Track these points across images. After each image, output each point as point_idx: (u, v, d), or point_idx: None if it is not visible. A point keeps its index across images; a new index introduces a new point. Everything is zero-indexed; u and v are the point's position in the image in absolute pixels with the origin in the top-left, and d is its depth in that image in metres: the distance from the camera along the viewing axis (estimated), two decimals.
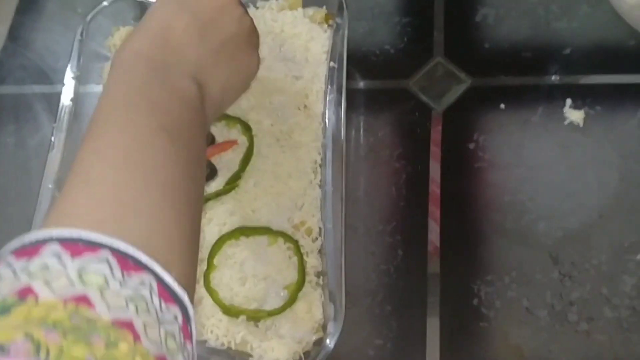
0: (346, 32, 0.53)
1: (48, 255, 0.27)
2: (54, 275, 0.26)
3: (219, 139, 0.52)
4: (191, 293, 0.30)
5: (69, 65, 0.58)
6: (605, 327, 0.47)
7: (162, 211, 0.30)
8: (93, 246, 0.27)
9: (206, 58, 0.38)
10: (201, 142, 0.35)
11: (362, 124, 0.57)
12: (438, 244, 0.52)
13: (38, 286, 0.26)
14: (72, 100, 0.57)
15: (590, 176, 0.52)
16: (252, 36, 0.42)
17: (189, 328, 0.29)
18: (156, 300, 0.28)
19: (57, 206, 0.30)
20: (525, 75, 0.57)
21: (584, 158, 0.53)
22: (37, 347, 0.23)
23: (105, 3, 0.59)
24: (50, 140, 0.55)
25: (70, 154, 0.55)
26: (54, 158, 0.54)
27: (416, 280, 0.51)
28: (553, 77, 0.56)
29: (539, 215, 0.51)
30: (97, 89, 0.59)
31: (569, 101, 0.54)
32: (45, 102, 0.64)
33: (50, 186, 0.52)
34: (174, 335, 0.28)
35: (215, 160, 0.51)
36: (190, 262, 0.31)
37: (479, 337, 0.48)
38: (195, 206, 0.33)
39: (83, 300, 0.26)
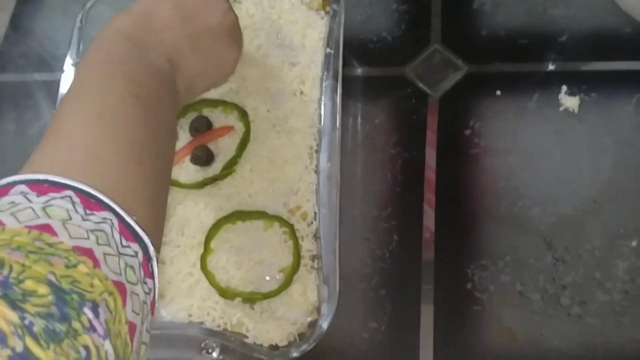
0: (343, 18, 0.54)
1: (15, 194, 0.28)
2: (19, 209, 0.28)
3: (216, 125, 0.53)
4: (156, 241, 0.32)
5: (69, 53, 0.59)
6: (598, 311, 0.47)
7: (128, 165, 0.32)
8: (58, 187, 0.29)
9: (184, 43, 0.40)
10: (171, 114, 0.37)
11: (359, 110, 0.58)
12: (433, 229, 0.52)
13: (4, 217, 0.27)
14: None
15: (584, 162, 0.52)
16: (234, 31, 0.45)
17: (150, 266, 0.31)
18: (117, 235, 0.29)
19: (29, 159, 0.32)
20: (521, 62, 0.57)
21: (579, 144, 0.53)
22: (2, 264, 0.25)
23: None
24: None
25: None
26: None
27: (411, 264, 0.51)
28: (549, 64, 0.56)
29: (534, 200, 0.52)
30: None
31: (564, 88, 0.54)
32: (46, 89, 0.65)
33: None
34: (134, 268, 0.29)
35: (212, 145, 0.52)
36: (155, 213, 0.33)
37: (473, 320, 0.49)
38: (162, 166, 0.35)
39: (46, 229, 0.27)
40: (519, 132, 0.54)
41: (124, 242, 0.29)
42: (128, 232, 0.30)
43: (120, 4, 0.61)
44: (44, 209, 0.28)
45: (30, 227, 0.27)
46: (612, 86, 0.55)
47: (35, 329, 0.24)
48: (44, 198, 0.28)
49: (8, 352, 0.23)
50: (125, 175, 0.32)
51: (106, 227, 0.29)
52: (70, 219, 0.28)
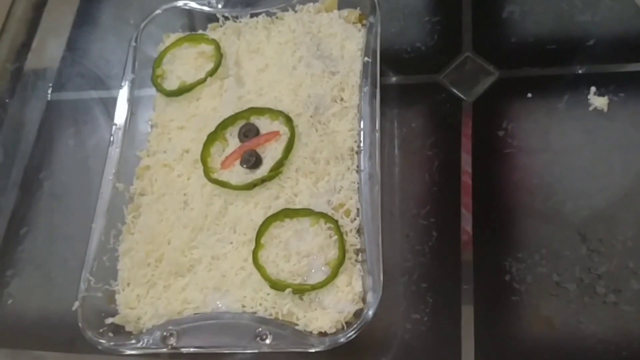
0: (379, 29, 0.57)
1: None
2: None
3: (262, 131, 0.56)
4: None
5: (125, 70, 0.63)
6: (632, 298, 0.49)
7: None
8: None
9: None
10: None
11: (395, 116, 0.61)
12: (470, 230, 0.54)
13: None
14: (128, 101, 0.62)
15: (614, 158, 0.54)
16: None
17: None
18: None
19: None
20: (550, 66, 0.59)
21: (609, 142, 0.55)
22: None
23: (157, 11, 0.64)
24: (110, 137, 0.60)
25: (127, 149, 0.60)
26: (114, 153, 0.59)
27: (451, 258, 0.54)
28: (578, 67, 0.58)
29: (566, 196, 0.54)
30: (151, 92, 0.64)
31: (593, 89, 0.57)
32: (102, 105, 0.70)
33: (110, 177, 0.57)
34: None
35: (260, 150, 0.55)
36: None
37: (511, 310, 0.51)
38: None
39: None
40: (551, 131, 0.57)
41: None
42: None
43: (170, 23, 0.66)
44: None
45: None
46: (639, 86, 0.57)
47: None
48: None
49: None
50: None
51: None
52: None
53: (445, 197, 0.56)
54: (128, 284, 0.53)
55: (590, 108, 0.56)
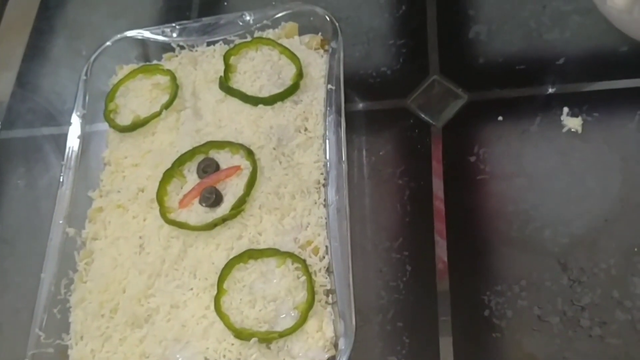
0: (342, 55, 0.55)
1: None
2: None
3: (222, 165, 0.53)
4: None
5: (75, 105, 0.60)
6: (619, 331, 0.47)
7: None
8: None
9: None
10: None
11: (363, 144, 0.58)
12: (445, 258, 0.52)
13: None
14: (79, 138, 0.58)
15: (592, 181, 0.52)
16: None
17: None
18: None
19: None
20: (521, 87, 0.57)
21: (585, 164, 0.53)
22: None
23: (108, 43, 0.61)
24: (60, 178, 0.56)
25: (78, 190, 0.56)
26: (64, 195, 0.55)
27: (426, 294, 0.51)
28: (549, 87, 0.56)
29: (544, 222, 0.51)
30: (103, 127, 0.60)
31: (566, 109, 0.55)
32: (54, 143, 0.66)
33: (60, 222, 0.53)
34: None
35: (220, 186, 0.52)
36: None
37: (493, 348, 0.48)
38: None
39: None
40: (524, 155, 0.54)
41: None
42: None
43: (123, 54, 0.63)
44: None
45: None
46: (614, 105, 0.55)
47: None
48: None
49: None
50: None
51: None
52: None
53: (418, 228, 0.54)
54: (81, 338, 0.49)
55: (564, 130, 0.54)
